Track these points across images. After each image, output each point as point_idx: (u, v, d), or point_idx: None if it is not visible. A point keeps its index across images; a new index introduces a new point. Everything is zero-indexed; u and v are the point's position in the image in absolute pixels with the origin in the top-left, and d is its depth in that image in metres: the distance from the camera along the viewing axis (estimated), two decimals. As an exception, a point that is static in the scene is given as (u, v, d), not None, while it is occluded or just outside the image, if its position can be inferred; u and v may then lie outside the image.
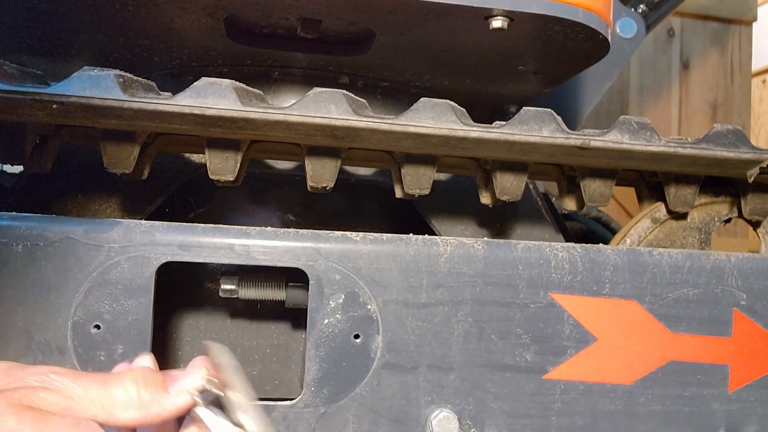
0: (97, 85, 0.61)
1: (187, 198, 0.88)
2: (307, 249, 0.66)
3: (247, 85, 0.66)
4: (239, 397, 0.51)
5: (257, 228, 0.66)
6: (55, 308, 0.62)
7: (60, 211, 0.79)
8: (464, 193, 0.86)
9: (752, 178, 0.75)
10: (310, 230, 0.67)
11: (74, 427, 0.46)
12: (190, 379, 0.52)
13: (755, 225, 0.86)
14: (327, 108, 0.64)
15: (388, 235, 0.68)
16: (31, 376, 0.48)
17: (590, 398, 0.70)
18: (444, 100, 0.67)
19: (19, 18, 0.83)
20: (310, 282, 0.66)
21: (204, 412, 0.51)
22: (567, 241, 0.84)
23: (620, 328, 0.71)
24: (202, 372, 0.53)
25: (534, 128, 0.68)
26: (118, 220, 0.65)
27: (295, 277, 0.71)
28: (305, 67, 0.91)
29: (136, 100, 0.61)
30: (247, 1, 0.75)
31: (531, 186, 0.91)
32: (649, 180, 0.84)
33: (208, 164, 0.69)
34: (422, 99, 0.67)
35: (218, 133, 0.67)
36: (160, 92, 0.65)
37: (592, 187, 0.77)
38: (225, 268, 0.77)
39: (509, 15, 0.74)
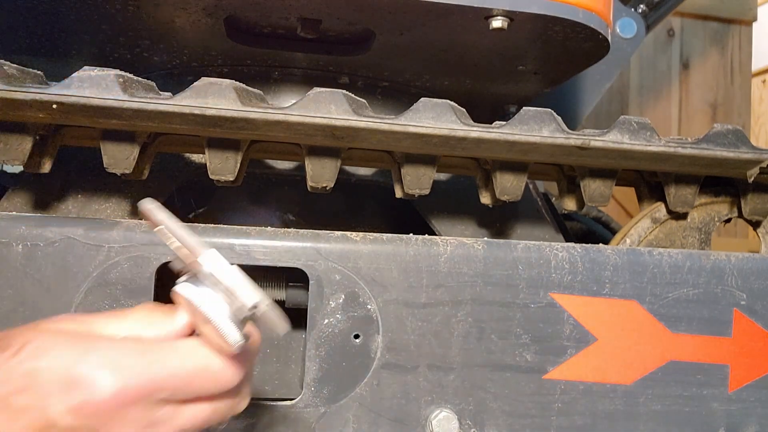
0: (97, 85, 0.61)
1: (187, 198, 0.88)
2: (307, 249, 0.66)
3: (247, 85, 0.66)
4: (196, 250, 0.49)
5: (257, 228, 0.66)
6: (55, 308, 0.62)
7: (60, 211, 0.79)
8: (464, 193, 0.86)
9: (752, 178, 0.75)
10: (310, 230, 0.67)
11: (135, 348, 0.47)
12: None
13: (755, 225, 0.85)
14: (327, 108, 0.64)
15: (388, 235, 0.68)
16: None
17: (590, 398, 0.70)
18: (444, 100, 0.67)
19: (19, 18, 0.83)
20: (310, 282, 0.66)
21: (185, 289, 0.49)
22: (567, 241, 0.84)
23: (620, 328, 0.71)
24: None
25: (534, 128, 0.68)
26: (118, 220, 0.65)
27: (295, 277, 0.71)
28: (305, 67, 0.91)
29: (136, 100, 0.61)
30: (247, 1, 0.75)
31: (531, 186, 0.91)
32: (649, 180, 0.84)
33: (208, 164, 0.69)
34: (422, 99, 0.67)
35: (218, 133, 0.67)
36: (160, 92, 0.65)
37: (592, 187, 0.77)
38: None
39: (509, 15, 0.74)
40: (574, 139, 0.69)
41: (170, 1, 0.74)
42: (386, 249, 0.67)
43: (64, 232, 0.63)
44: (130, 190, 0.80)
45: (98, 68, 0.63)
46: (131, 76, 0.64)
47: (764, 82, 2.95)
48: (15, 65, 0.65)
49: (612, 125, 0.70)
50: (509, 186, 0.75)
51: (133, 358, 0.45)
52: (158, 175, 0.80)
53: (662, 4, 1.33)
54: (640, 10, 1.32)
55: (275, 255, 0.65)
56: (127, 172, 0.68)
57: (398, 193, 0.76)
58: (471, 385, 0.68)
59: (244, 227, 0.66)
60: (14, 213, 0.64)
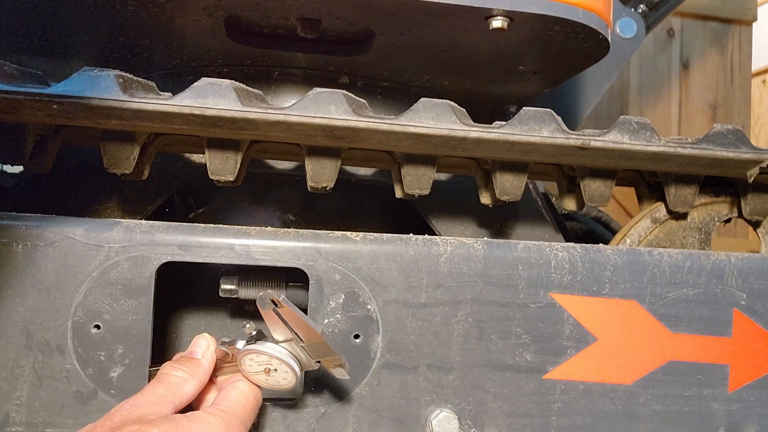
0: (97, 85, 0.61)
1: (187, 198, 0.88)
2: (307, 249, 0.66)
3: (247, 85, 0.66)
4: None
5: (257, 228, 0.66)
6: (55, 308, 0.62)
7: (60, 211, 0.78)
8: (464, 193, 0.86)
9: (752, 178, 0.75)
10: (310, 230, 0.67)
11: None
12: (202, 340, 0.63)
13: (755, 225, 0.86)
14: (327, 108, 0.64)
15: (388, 235, 0.68)
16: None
17: (590, 398, 0.70)
18: (444, 100, 0.67)
19: (19, 18, 0.82)
20: (310, 282, 0.66)
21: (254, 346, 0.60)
22: (567, 241, 0.84)
23: (620, 328, 0.71)
24: (205, 335, 0.63)
25: (534, 128, 0.68)
26: (118, 220, 0.65)
27: (295, 277, 0.71)
28: (305, 67, 0.91)
29: (136, 100, 0.61)
30: (247, 1, 0.75)
31: (531, 186, 0.91)
32: (649, 180, 0.84)
33: (208, 164, 0.69)
34: (422, 99, 0.67)
35: (218, 133, 0.67)
36: (160, 92, 0.65)
37: (592, 187, 0.77)
38: (225, 268, 0.77)
39: (509, 15, 0.74)
40: (574, 139, 0.69)
41: (170, 1, 0.74)
42: (386, 249, 0.67)
43: (64, 232, 0.63)
44: (130, 190, 0.80)
45: (98, 68, 0.63)
46: (131, 76, 0.64)
47: (764, 82, 2.95)
48: (15, 65, 0.65)
49: (612, 125, 0.70)
50: (509, 186, 0.75)
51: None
52: (158, 175, 0.80)
53: (662, 4, 1.33)
54: (640, 10, 1.32)
55: (275, 255, 0.65)
56: (127, 172, 0.68)
57: (398, 193, 0.76)
58: (471, 385, 0.68)
59: (244, 227, 0.66)
60: (14, 213, 0.64)
